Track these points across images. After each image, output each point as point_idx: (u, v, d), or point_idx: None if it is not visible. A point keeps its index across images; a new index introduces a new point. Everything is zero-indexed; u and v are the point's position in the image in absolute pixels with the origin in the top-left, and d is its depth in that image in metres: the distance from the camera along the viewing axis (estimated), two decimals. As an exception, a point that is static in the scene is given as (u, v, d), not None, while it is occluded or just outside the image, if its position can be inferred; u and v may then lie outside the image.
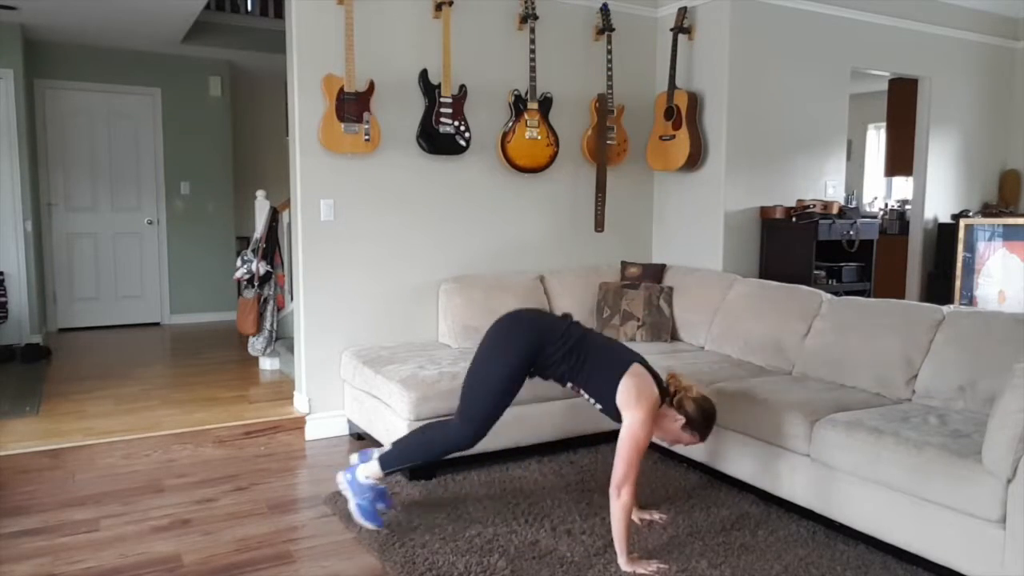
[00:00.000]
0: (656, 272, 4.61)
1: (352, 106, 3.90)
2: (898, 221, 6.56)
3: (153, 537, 2.87)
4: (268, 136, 7.71)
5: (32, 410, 4.13)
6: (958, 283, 4.76)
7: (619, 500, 2.57)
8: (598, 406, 2.75)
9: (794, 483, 3.00)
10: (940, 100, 5.44)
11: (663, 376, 2.77)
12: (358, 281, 4.11)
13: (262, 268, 4.97)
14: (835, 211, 4.64)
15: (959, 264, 4.76)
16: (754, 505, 3.16)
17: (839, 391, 3.29)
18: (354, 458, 2.96)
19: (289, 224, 4.75)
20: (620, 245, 4.95)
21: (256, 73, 7.44)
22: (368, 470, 2.86)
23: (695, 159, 4.61)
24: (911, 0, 5.12)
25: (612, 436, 3.86)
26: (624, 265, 4.70)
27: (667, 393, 2.71)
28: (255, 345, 5.08)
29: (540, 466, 3.58)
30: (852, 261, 4.82)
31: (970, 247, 4.72)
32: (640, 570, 2.57)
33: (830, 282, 4.72)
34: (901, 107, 6.31)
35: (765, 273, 4.67)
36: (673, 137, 4.62)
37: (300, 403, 4.11)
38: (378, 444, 3.70)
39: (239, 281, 5.10)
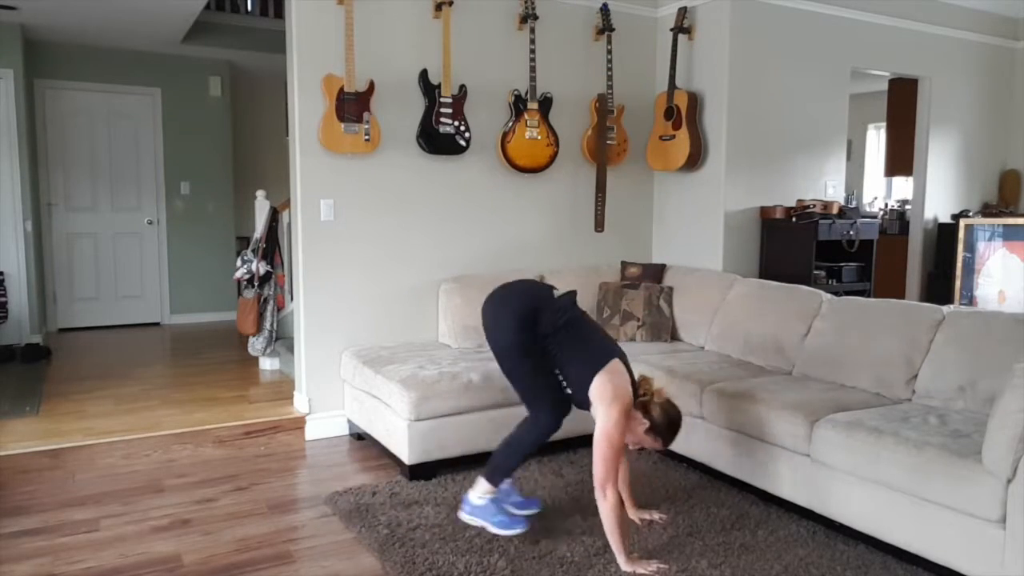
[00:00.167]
0: (656, 272, 4.61)
1: (352, 106, 3.90)
2: (898, 221, 6.56)
3: (153, 537, 2.87)
4: (268, 136, 7.71)
5: (32, 410, 4.13)
6: (958, 283, 4.76)
7: (606, 500, 2.56)
8: (569, 391, 2.74)
9: (794, 483, 3.00)
10: (940, 100, 5.44)
11: (637, 377, 2.76)
12: (358, 281, 4.11)
13: (262, 268, 4.97)
14: (835, 211, 4.64)
15: (959, 264, 4.76)
16: (754, 505, 3.16)
17: (839, 391, 3.29)
18: (467, 495, 2.89)
19: (289, 224, 4.76)
20: (620, 245, 4.95)
21: (256, 73, 7.44)
22: (479, 491, 2.82)
23: (695, 159, 4.61)
24: (911, 0, 5.12)
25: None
26: (624, 265, 4.70)
27: (637, 395, 2.69)
28: (255, 345, 5.08)
29: (540, 466, 3.59)
30: (852, 261, 4.82)
31: (970, 247, 4.72)
32: (640, 570, 2.57)
33: (830, 282, 4.72)
34: (901, 107, 6.31)
35: (765, 273, 4.67)
36: (673, 137, 4.62)
37: (300, 403, 4.11)
38: (378, 444, 3.71)
39: (239, 281, 5.10)
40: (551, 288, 2.90)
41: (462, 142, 4.22)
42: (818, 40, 4.80)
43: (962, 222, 4.82)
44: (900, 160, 6.38)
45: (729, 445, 3.28)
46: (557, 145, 4.50)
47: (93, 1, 5.27)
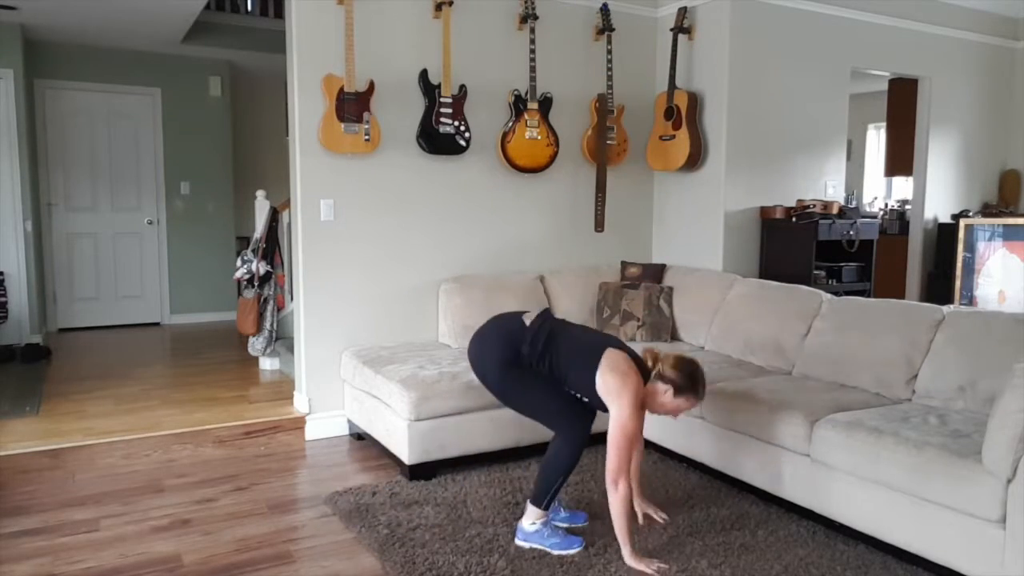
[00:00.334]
0: (656, 272, 4.61)
1: (352, 106, 3.89)
2: (898, 221, 6.56)
3: (153, 537, 2.87)
4: (268, 136, 7.71)
5: (32, 410, 4.13)
6: (958, 283, 4.76)
7: (617, 492, 2.57)
8: (585, 399, 2.73)
9: (794, 483, 3.00)
10: (940, 100, 5.44)
11: (641, 353, 2.75)
12: (358, 281, 4.11)
13: (262, 268, 4.97)
14: (835, 211, 4.63)
15: (959, 264, 4.76)
16: (754, 505, 3.16)
17: (839, 391, 3.29)
18: (519, 523, 2.84)
19: (289, 224, 4.76)
20: (620, 245, 4.95)
21: (256, 73, 7.44)
22: (530, 517, 2.78)
23: (695, 159, 4.60)
24: (911, 0, 5.12)
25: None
26: (624, 265, 4.70)
27: (648, 370, 2.69)
28: (255, 345, 5.08)
29: (540, 466, 3.58)
30: (852, 261, 4.82)
31: (970, 247, 4.72)
32: (644, 568, 2.57)
33: (830, 282, 4.72)
34: (901, 107, 6.31)
35: (765, 273, 4.67)
36: (673, 137, 4.62)
37: (300, 403, 4.11)
38: (378, 444, 3.71)
39: (239, 281, 5.10)
40: (520, 317, 2.85)
41: (462, 142, 4.22)
42: (818, 40, 4.80)
43: (962, 222, 4.82)
44: (900, 160, 6.38)
45: (729, 445, 3.27)
46: (557, 145, 4.50)
47: (93, 1, 5.27)
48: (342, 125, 3.89)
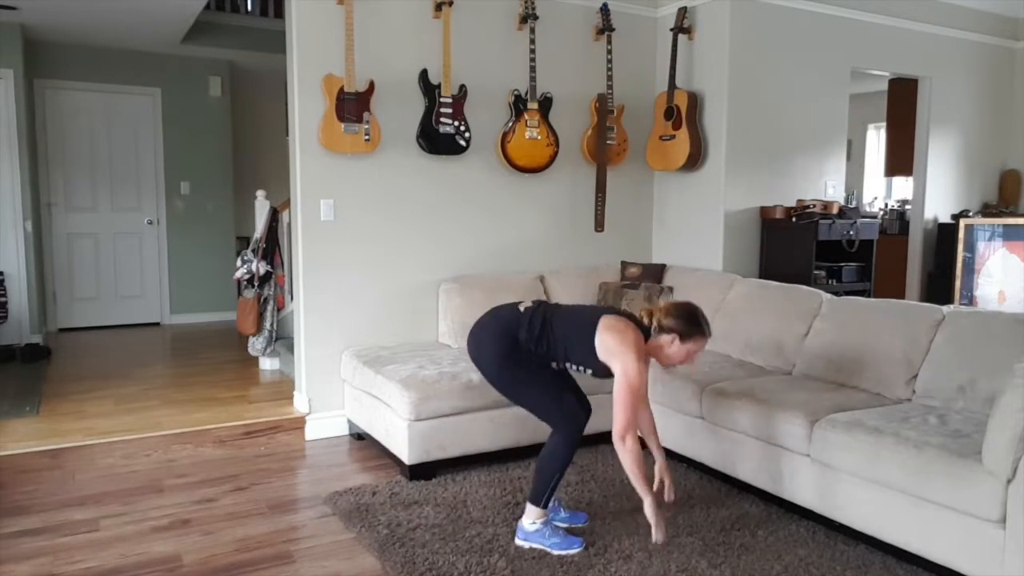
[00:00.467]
0: (656, 272, 4.60)
1: (352, 106, 3.89)
2: (898, 221, 6.56)
3: (153, 537, 2.87)
4: (268, 136, 7.70)
5: (32, 410, 4.13)
6: (958, 283, 4.76)
7: (626, 448, 2.57)
8: (589, 371, 2.73)
9: (794, 483, 3.00)
10: (940, 100, 5.43)
11: (639, 315, 2.76)
12: (358, 281, 4.11)
13: (262, 268, 4.97)
14: (835, 211, 4.63)
15: (959, 264, 4.76)
16: (754, 505, 3.16)
17: (839, 391, 3.29)
18: (520, 522, 2.84)
19: (289, 224, 4.76)
20: (620, 245, 4.95)
21: (256, 73, 7.44)
22: (530, 516, 2.78)
23: (695, 159, 4.60)
24: (911, 0, 5.12)
25: (611, 436, 3.86)
26: (624, 265, 4.70)
27: (648, 326, 2.69)
28: (255, 345, 5.08)
29: (540, 466, 3.58)
30: (852, 261, 4.82)
31: (970, 247, 4.72)
32: (655, 528, 2.66)
33: (830, 282, 4.72)
34: (901, 107, 6.30)
35: (765, 273, 4.67)
36: (673, 137, 4.62)
37: (300, 403, 4.11)
38: (378, 444, 3.71)
39: (239, 281, 5.10)
40: (516, 305, 2.86)
41: (462, 142, 4.22)
42: (818, 40, 4.80)
43: (962, 222, 4.82)
44: (900, 160, 6.38)
45: (729, 445, 3.28)
46: (557, 145, 4.50)
47: (93, 1, 5.27)
48: (342, 125, 3.89)
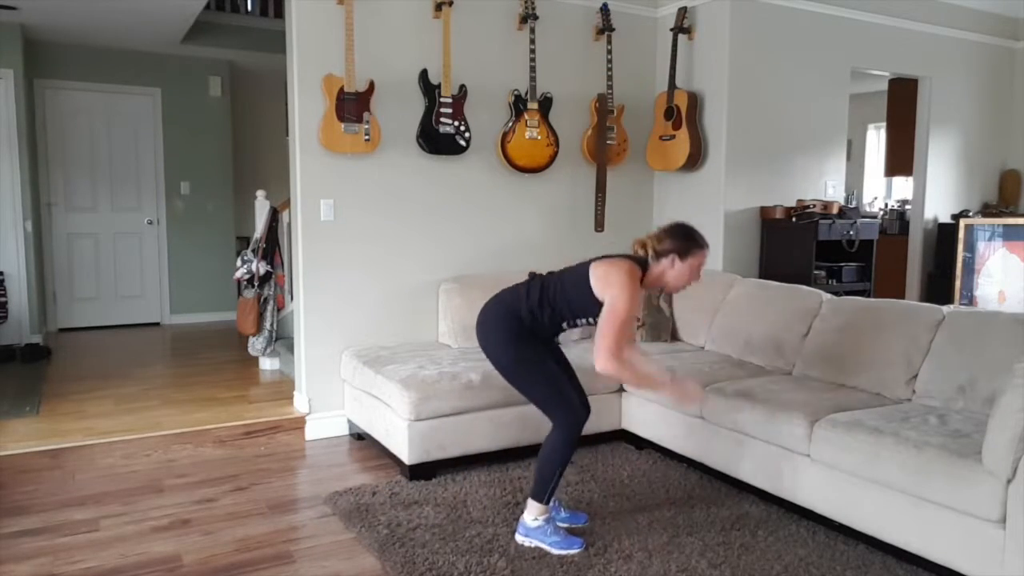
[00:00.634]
0: (656, 272, 4.60)
1: (352, 106, 3.89)
2: (898, 221, 6.56)
3: (153, 537, 2.87)
4: (268, 136, 7.70)
5: (32, 410, 4.13)
6: (958, 283, 4.75)
7: (622, 367, 2.56)
8: (592, 320, 2.70)
9: (794, 483, 2.99)
10: (940, 100, 5.44)
11: (632, 251, 2.78)
12: (358, 281, 4.11)
13: (262, 268, 4.97)
14: (835, 211, 4.63)
15: (959, 264, 4.76)
16: (754, 505, 3.16)
17: (839, 391, 3.29)
18: (522, 518, 2.84)
19: (289, 224, 4.75)
20: (620, 245, 4.92)
21: (256, 73, 7.44)
22: (532, 513, 2.78)
23: (695, 159, 4.60)
24: (911, 0, 5.12)
25: (611, 436, 3.87)
26: (624, 265, 4.69)
27: (644, 257, 2.71)
28: (255, 345, 5.08)
29: (540, 466, 3.58)
30: (852, 261, 4.82)
31: (970, 247, 4.72)
32: (685, 388, 2.71)
33: (830, 282, 4.72)
34: (901, 107, 6.30)
35: (765, 273, 4.67)
36: (673, 137, 4.62)
37: (300, 403, 4.11)
38: (378, 444, 3.71)
39: (239, 281, 5.10)
40: (515, 287, 2.87)
41: (462, 142, 4.22)
42: (818, 40, 4.80)
43: (962, 222, 4.82)
44: (900, 160, 6.38)
45: (729, 445, 3.27)
46: (557, 145, 4.50)
47: (93, 1, 5.27)
48: (342, 125, 3.89)
